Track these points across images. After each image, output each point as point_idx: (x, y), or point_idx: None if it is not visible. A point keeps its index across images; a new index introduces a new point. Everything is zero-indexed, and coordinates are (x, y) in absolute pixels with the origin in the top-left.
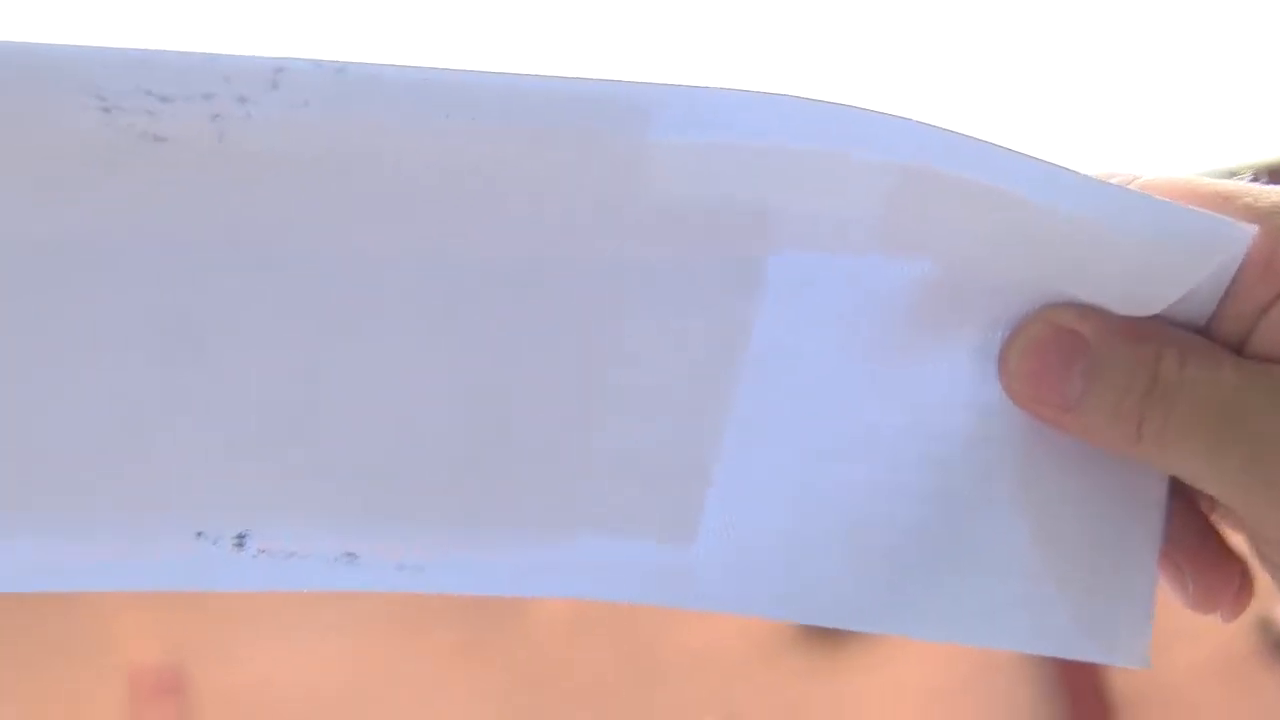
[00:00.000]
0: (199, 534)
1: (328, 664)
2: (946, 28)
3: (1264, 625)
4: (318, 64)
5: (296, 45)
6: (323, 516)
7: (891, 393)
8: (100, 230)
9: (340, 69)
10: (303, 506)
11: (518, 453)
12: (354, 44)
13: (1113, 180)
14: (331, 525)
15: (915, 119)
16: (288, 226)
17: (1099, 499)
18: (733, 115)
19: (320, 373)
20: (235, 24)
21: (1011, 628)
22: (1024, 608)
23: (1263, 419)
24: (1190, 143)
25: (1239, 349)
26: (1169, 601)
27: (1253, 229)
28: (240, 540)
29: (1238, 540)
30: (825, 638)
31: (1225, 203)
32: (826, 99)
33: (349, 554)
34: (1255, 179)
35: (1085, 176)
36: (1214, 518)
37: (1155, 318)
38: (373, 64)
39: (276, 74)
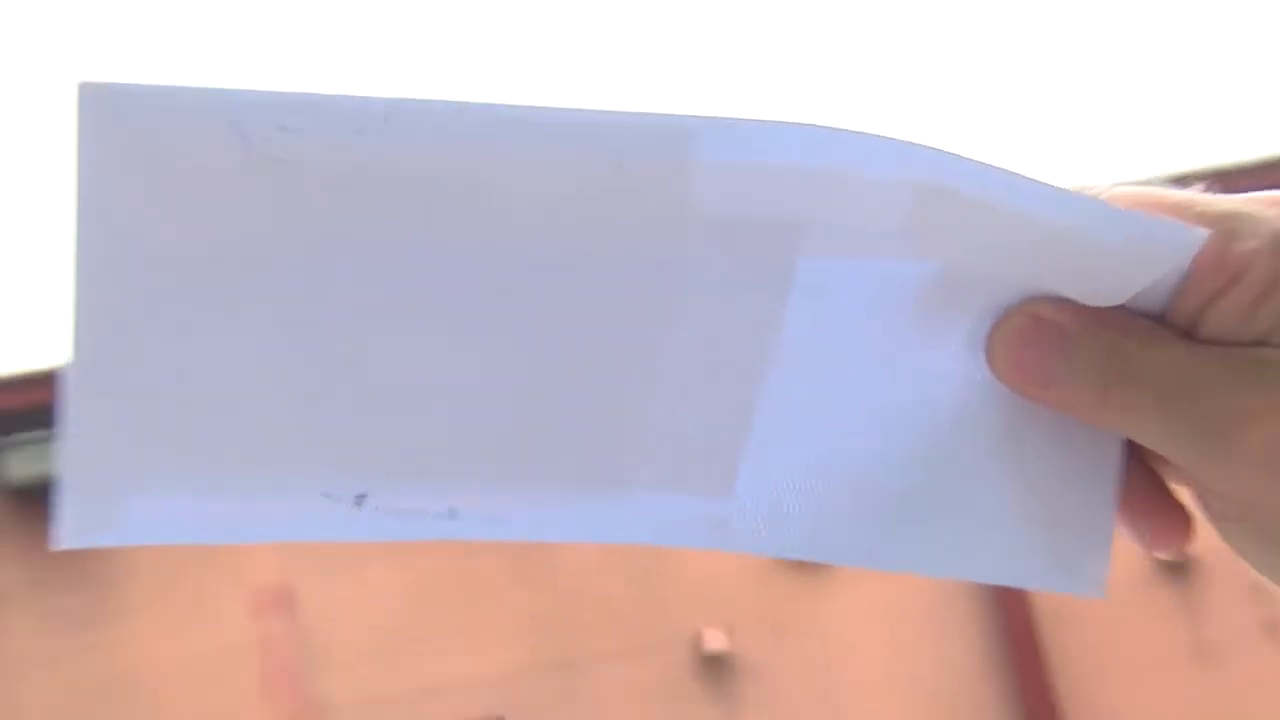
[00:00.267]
0: (325, 494)
1: (402, 583)
2: (934, 63)
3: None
4: (421, 102)
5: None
6: (429, 481)
7: (899, 373)
8: (250, 238)
9: (437, 105)
10: (412, 473)
11: (586, 425)
12: (428, 77)
13: (1087, 192)
14: (437, 488)
15: (924, 143)
16: (397, 234)
17: (1066, 459)
18: (764, 141)
19: (428, 361)
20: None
21: (994, 564)
22: (1004, 548)
23: (1209, 392)
24: (1151, 148)
25: (1190, 333)
26: None
27: (1204, 233)
28: (361, 499)
29: (1184, 493)
30: (809, 565)
31: (1182, 210)
32: (846, 126)
33: (451, 509)
34: (1206, 188)
35: (1062, 190)
36: (1164, 474)
37: (1120, 307)
38: (463, 101)
39: (388, 111)
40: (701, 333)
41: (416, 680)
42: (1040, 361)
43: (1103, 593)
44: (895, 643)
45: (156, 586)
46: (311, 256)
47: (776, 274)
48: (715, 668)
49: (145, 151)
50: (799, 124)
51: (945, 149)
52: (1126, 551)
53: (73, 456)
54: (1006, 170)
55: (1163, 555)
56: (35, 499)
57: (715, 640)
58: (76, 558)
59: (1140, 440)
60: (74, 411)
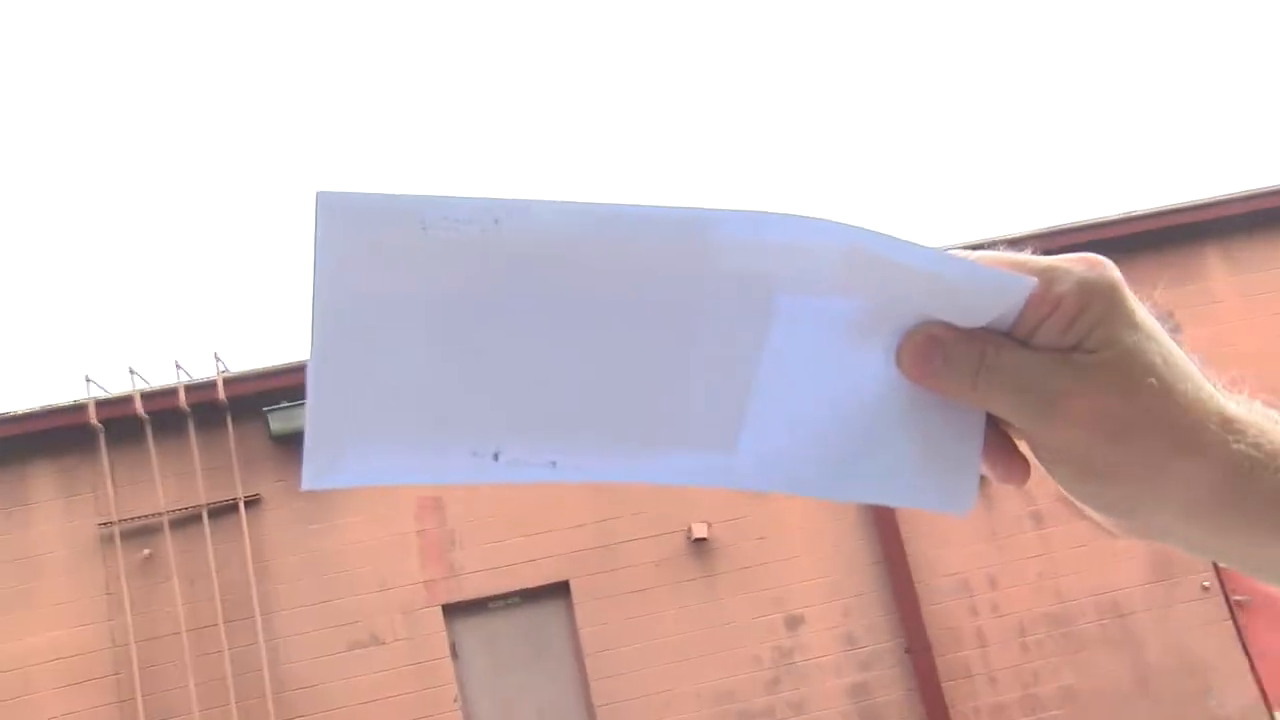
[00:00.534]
0: (473, 452)
1: (505, 495)
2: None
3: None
4: (537, 201)
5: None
6: (538, 444)
7: (841, 370)
8: (427, 288)
9: (547, 203)
10: (530, 436)
11: (638, 407)
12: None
13: (960, 254)
14: (543, 448)
15: (851, 222)
16: (522, 285)
17: (948, 425)
18: (753, 223)
19: (537, 366)
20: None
21: (902, 493)
22: (908, 483)
23: (1039, 381)
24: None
25: (1027, 343)
26: None
27: (1034, 280)
28: (496, 455)
29: (1023, 446)
30: None
31: (1019, 265)
32: (804, 211)
33: (551, 462)
34: (1034, 251)
35: (943, 252)
36: (1011, 434)
37: (982, 327)
38: (564, 201)
39: (516, 207)
40: (715, 345)
41: (514, 555)
42: (931, 363)
43: (968, 512)
44: (810, 528)
45: (357, 497)
46: (467, 300)
47: (763, 307)
48: (700, 547)
49: (359, 234)
50: (774, 212)
51: (865, 226)
52: None
53: (313, 429)
54: (906, 239)
55: (1011, 485)
56: (286, 443)
57: (700, 530)
58: None
59: (995, 413)
60: (312, 400)
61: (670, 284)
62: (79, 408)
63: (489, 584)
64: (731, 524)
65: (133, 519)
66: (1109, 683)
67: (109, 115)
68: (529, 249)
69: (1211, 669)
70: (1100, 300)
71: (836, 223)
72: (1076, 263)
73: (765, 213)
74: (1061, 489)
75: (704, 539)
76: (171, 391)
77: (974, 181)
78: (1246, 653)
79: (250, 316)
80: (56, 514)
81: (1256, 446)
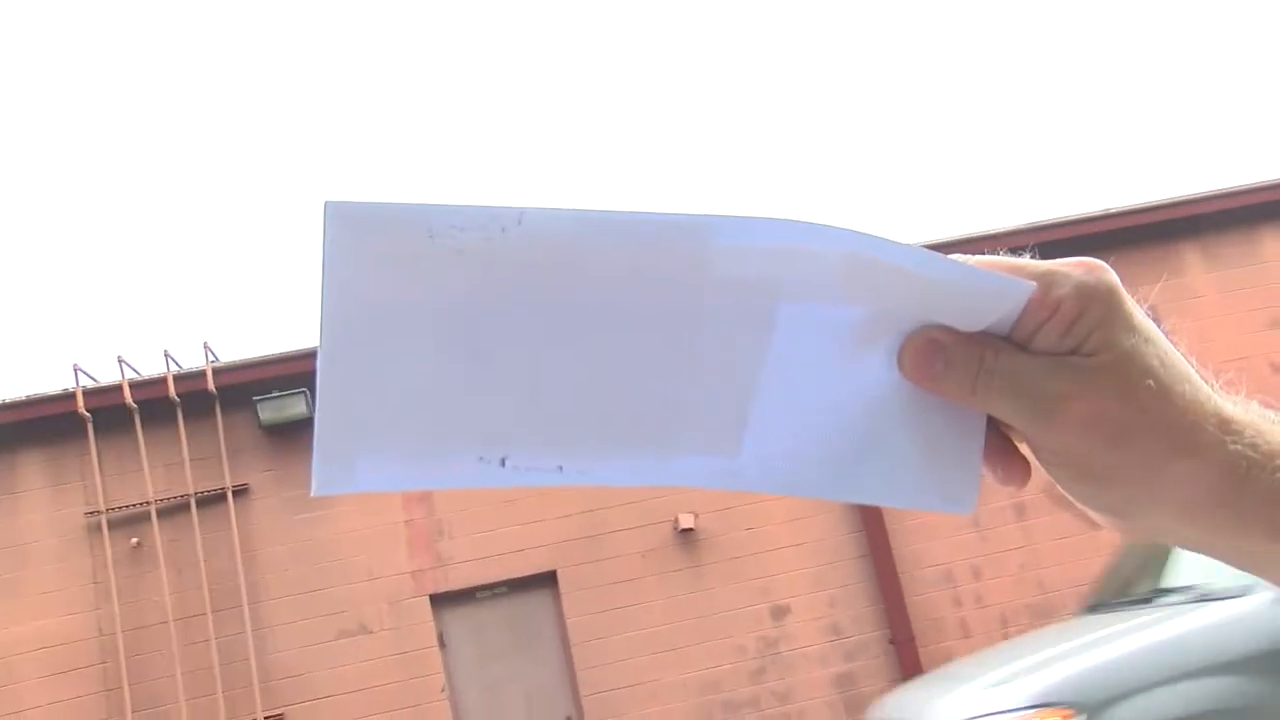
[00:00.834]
0: (480, 458)
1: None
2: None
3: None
4: (540, 209)
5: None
6: (545, 448)
7: (843, 375)
8: (434, 295)
9: (548, 210)
10: (535, 443)
11: (645, 412)
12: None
13: (961, 259)
14: (550, 453)
15: (852, 227)
16: (526, 292)
17: (949, 428)
18: (754, 230)
19: (544, 373)
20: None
21: (904, 495)
22: (910, 485)
23: (1039, 384)
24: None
25: (1025, 347)
26: None
27: (1033, 285)
28: (503, 461)
29: (1025, 449)
30: None
31: (1018, 270)
32: (807, 219)
33: (558, 466)
34: (1033, 255)
35: (945, 257)
36: (1011, 436)
37: (981, 331)
38: (566, 208)
39: (521, 215)
40: (718, 349)
41: (501, 546)
42: (932, 366)
43: (972, 512)
44: (796, 520)
45: None
46: (472, 307)
47: (765, 311)
48: (686, 538)
49: (367, 243)
50: (776, 218)
51: (866, 231)
52: None
53: (322, 437)
54: (906, 244)
55: (1011, 487)
56: (275, 433)
57: (687, 521)
58: (300, 470)
59: (995, 415)
60: (321, 407)
61: (673, 290)
62: (67, 396)
63: (476, 574)
64: (718, 515)
65: (121, 508)
66: None
67: (101, 108)
68: (534, 256)
69: None
70: (1098, 304)
71: (837, 228)
72: (1075, 267)
73: (768, 219)
74: (1061, 490)
75: (690, 530)
76: (160, 381)
77: (955, 178)
78: None
79: (240, 307)
80: (44, 502)
81: (1253, 447)
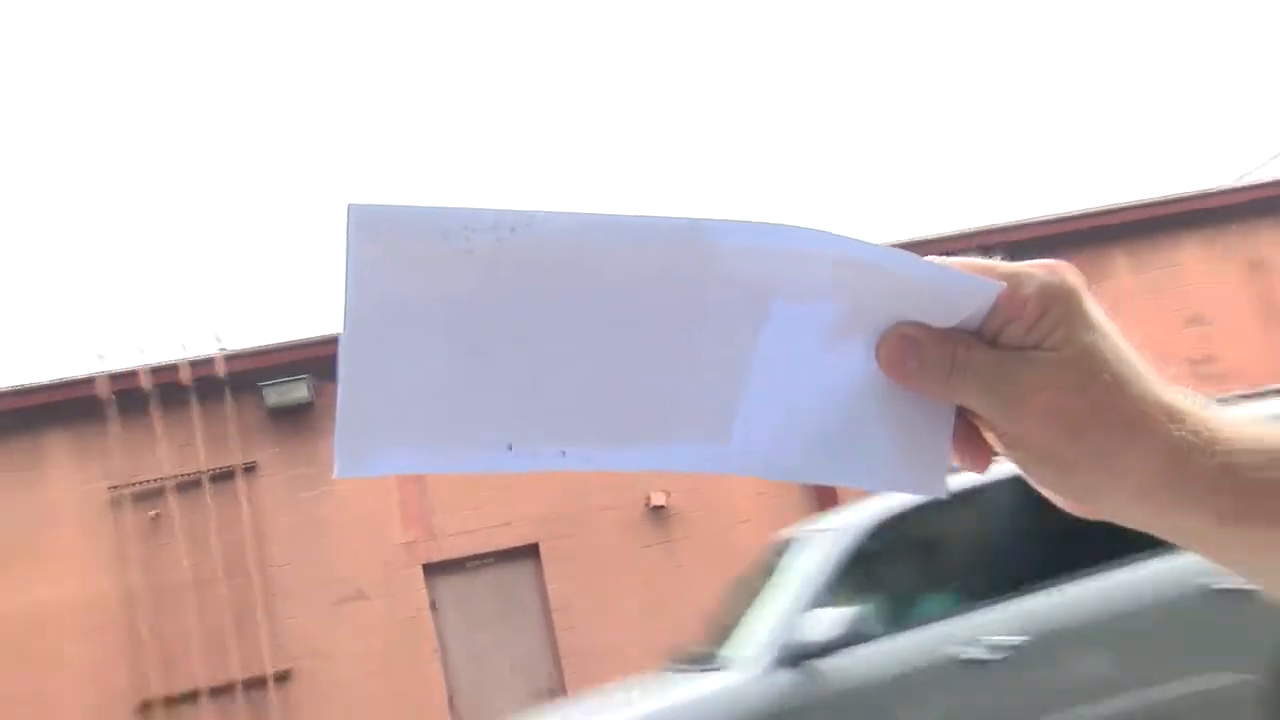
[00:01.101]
0: (489, 445)
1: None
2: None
3: None
4: (547, 212)
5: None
6: (548, 436)
7: (827, 367)
8: (447, 293)
9: (555, 213)
10: (540, 431)
11: (644, 402)
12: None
13: (935, 260)
14: (554, 440)
15: (839, 232)
16: (533, 290)
17: (921, 417)
18: (751, 233)
19: (555, 361)
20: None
21: (878, 478)
22: (886, 469)
23: (1005, 377)
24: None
25: (994, 342)
26: None
27: (1001, 285)
28: (510, 447)
29: (990, 436)
30: None
31: (987, 270)
32: (800, 223)
33: (562, 452)
34: (1003, 257)
35: (921, 258)
36: (978, 424)
37: (953, 327)
38: (573, 211)
39: (529, 216)
40: (712, 344)
41: (489, 520)
42: (907, 361)
43: (943, 495)
44: (759, 495)
45: None
46: (483, 303)
47: (757, 309)
48: (658, 514)
49: (386, 244)
50: (767, 223)
51: (852, 236)
52: None
53: (343, 423)
54: (889, 248)
55: (976, 473)
56: (280, 415)
57: (659, 498)
58: (304, 450)
59: (965, 405)
60: (343, 397)
61: (671, 289)
62: (90, 381)
63: (465, 545)
64: (688, 493)
65: (140, 483)
66: None
67: (128, 117)
68: (540, 256)
69: None
70: (1061, 303)
71: (826, 232)
72: (1039, 268)
73: (761, 223)
74: (1024, 475)
75: (662, 507)
76: (174, 367)
77: (907, 183)
78: None
79: (248, 298)
80: (69, 478)
81: (1195, 434)
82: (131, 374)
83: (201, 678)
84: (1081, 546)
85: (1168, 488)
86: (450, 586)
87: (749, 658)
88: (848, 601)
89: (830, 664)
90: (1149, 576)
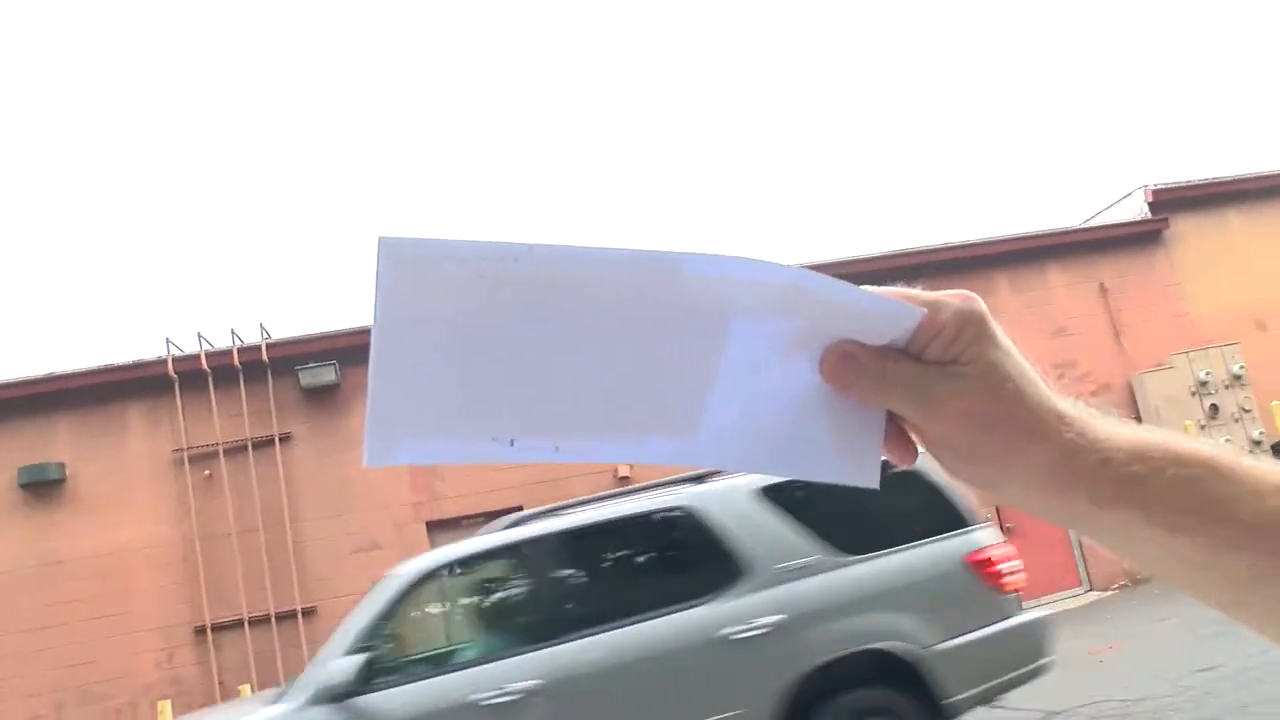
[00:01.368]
0: (494, 439)
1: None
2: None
3: None
4: (548, 245)
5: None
6: (545, 432)
7: (779, 376)
8: (462, 311)
9: (556, 246)
10: (538, 428)
11: (625, 404)
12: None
13: (871, 289)
14: (550, 435)
15: (788, 264)
16: (537, 309)
17: (857, 420)
18: (715, 264)
19: (550, 369)
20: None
21: (821, 471)
22: (827, 463)
23: (928, 387)
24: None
25: (918, 358)
26: None
27: (923, 310)
28: (512, 442)
29: (914, 436)
30: None
31: (912, 298)
32: (755, 255)
33: (556, 446)
34: (924, 287)
35: (859, 288)
36: (905, 426)
37: (885, 345)
38: (571, 245)
39: (529, 248)
40: (683, 356)
41: (480, 485)
42: (846, 374)
43: (876, 486)
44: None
45: None
46: (489, 321)
47: (721, 327)
48: (624, 483)
49: (411, 270)
50: (731, 255)
51: (801, 268)
52: None
53: (372, 421)
54: (831, 279)
55: (904, 466)
56: (312, 394)
57: (624, 469)
58: (331, 424)
59: (894, 410)
60: (372, 398)
61: (647, 308)
62: (161, 362)
63: (461, 506)
64: (650, 466)
65: (197, 447)
66: None
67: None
68: (539, 281)
69: None
70: (972, 326)
71: (779, 264)
72: (954, 297)
73: (726, 256)
74: (943, 468)
75: (627, 476)
76: (227, 352)
77: (819, 208)
78: None
79: (288, 294)
80: (143, 440)
81: (1080, 435)
82: (194, 357)
83: (244, 609)
84: (610, 601)
85: (1058, 479)
86: (448, 540)
87: (298, 690)
88: (392, 645)
89: (364, 702)
90: (670, 626)
